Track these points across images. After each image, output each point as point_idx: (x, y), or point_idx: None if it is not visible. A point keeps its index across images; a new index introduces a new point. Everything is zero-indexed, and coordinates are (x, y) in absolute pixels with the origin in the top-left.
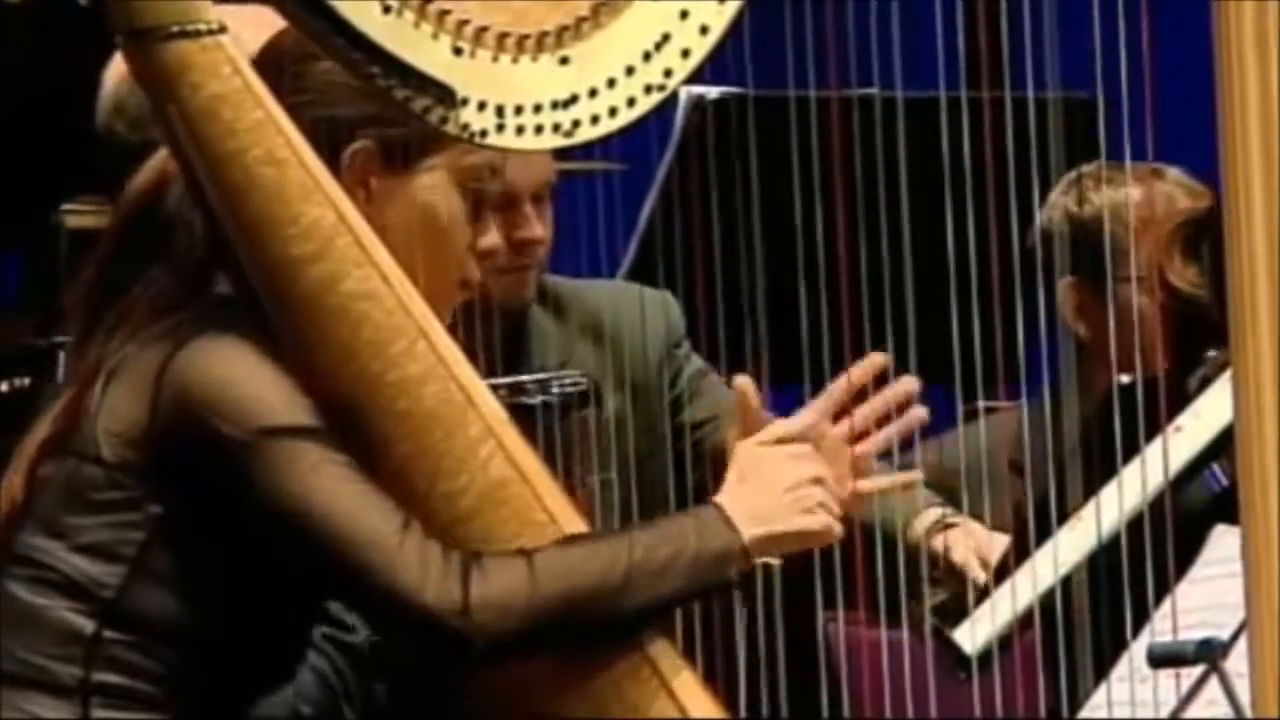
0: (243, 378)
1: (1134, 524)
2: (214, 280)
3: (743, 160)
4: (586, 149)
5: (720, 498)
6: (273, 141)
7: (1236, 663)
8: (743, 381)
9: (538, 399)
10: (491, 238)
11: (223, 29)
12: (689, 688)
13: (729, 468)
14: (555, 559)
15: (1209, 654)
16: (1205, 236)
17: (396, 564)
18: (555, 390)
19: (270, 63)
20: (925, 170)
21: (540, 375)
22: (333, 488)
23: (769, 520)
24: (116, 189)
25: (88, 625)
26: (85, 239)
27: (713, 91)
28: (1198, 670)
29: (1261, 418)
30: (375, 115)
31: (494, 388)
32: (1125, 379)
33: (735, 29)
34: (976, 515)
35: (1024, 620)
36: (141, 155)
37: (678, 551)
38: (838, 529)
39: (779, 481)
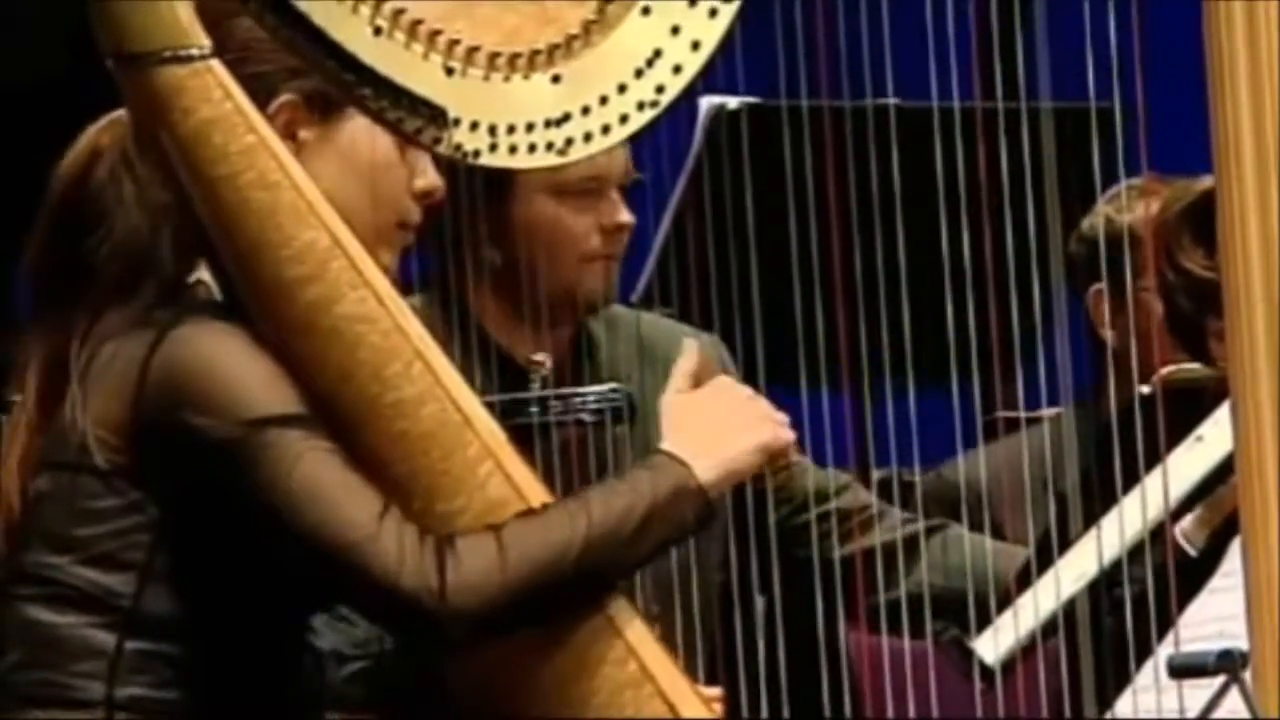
0: (222, 370)
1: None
2: (183, 268)
3: (762, 170)
4: None
5: (664, 445)
6: (265, 165)
7: None
8: (689, 343)
9: (574, 416)
10: (583, 224)
11: (214, 53)
12: (679, 688)
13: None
14: (522, 530)
15: (1229, 664)
16: (1211, 217)
17: (373, 553)
18: (594, 404)
19: None
20: (940, 180)
21: (576, 390)
22: (314, 475)
23: (716, 448)
24: None
25: (109, 639)
26: None
27: (732, 102)
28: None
29: (1260, 430)
30: (297, 68)
31: (526, 402)
32: (1145, 389)
33: (728, 43)
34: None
35: (1038, 633)
36: None
37: (634, 500)
38: (786, 434)
39: (714, 412)
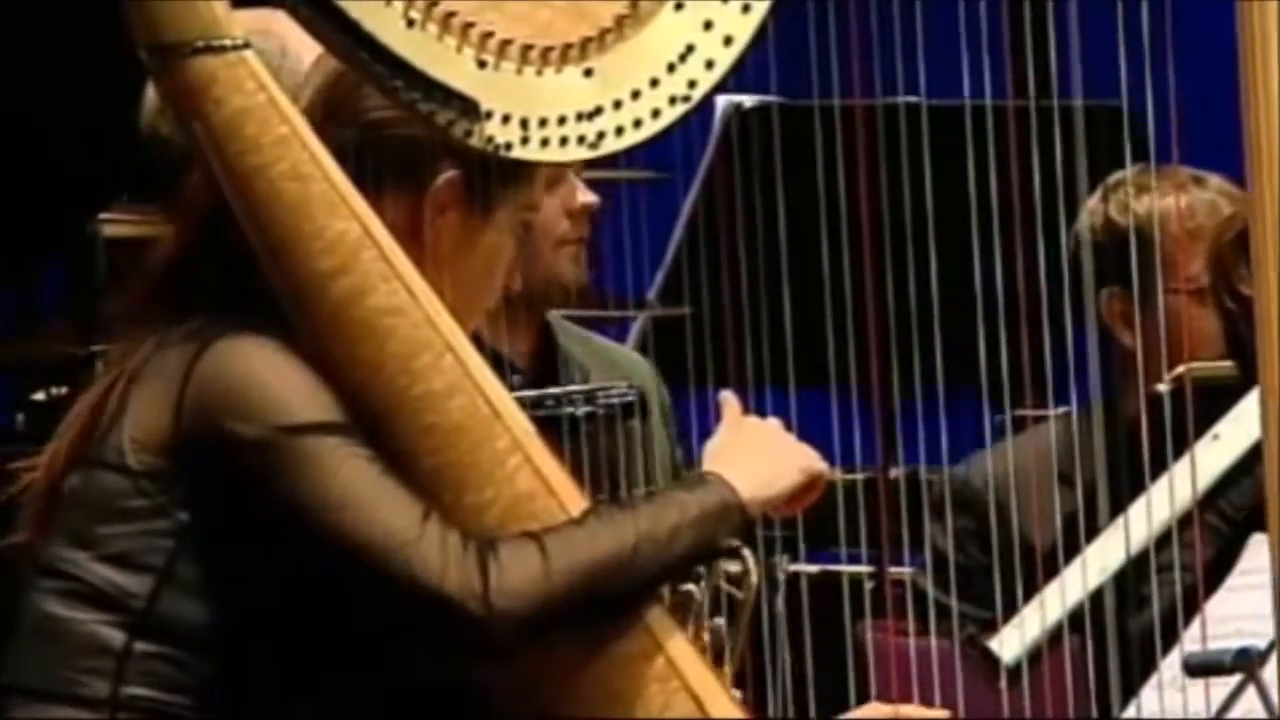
0: (263, 376)
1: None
2: (247, 279)
3: (778, 168)
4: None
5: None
6: (297, 156)
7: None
8: (725, 395)
9: (584, 410)
10: (550, 210)
11: (247, 44)
12: (707, 683)
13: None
14: (566, 540)
15: (1246, 663)
16: None
17: (416, 559)
18: (604, 400)
19: (342, 93)
20: (958, 179)
21: (588, 386)
22: (354, 482)
23: (757, 469)
24: (159, 191)
25: (117, 637)
26: (124, 247)
27: (748, 100)
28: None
29: None
30: (447, 139)
31: (540, 400)
32: (1163, 387)
33: (760, 39)
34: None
35: (1057, 630)
36: (185, 157)
37: (681, 515)
38: (820, 462)
39: (751, 442)
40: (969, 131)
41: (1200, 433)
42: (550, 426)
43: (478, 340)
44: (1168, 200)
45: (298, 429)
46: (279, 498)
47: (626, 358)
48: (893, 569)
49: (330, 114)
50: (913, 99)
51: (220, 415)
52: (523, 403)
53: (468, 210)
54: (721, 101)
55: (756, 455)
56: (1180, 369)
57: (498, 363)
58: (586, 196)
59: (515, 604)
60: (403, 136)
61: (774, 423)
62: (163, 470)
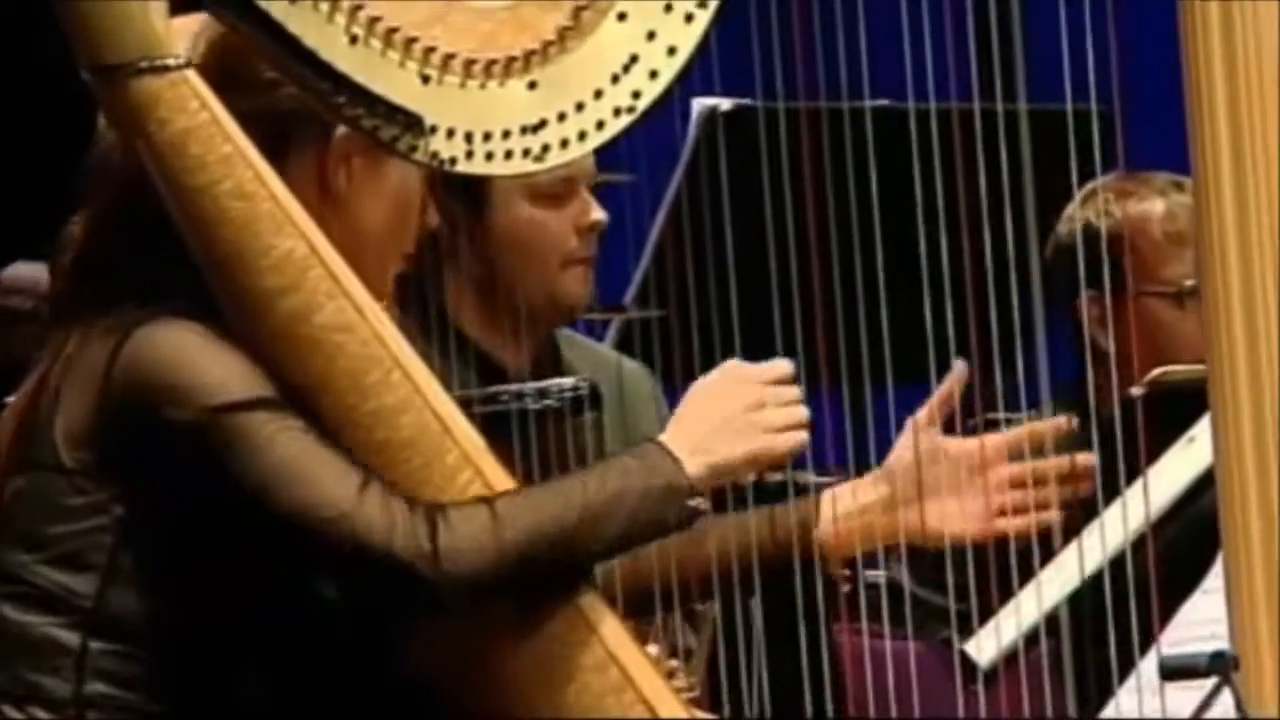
0: (188, 359)
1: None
2: (167, 271)
3: (754, 171)
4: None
5: (662, 436)
6: (242, 175)
7: None
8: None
9: (541, 404)
10: (560, 226)
11: (190, 63)
12: (660, 692)
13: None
14: (515, 504)
15: (1221, 666)
16: None
17: (360, 524)
18: (558, 394)
19: (231, 59)
20: (931, 181)
21: (541, 383)
22: (291, 455)
23: (710, 449)
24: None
25: (72, 639)
26: None
27: (725, 103)
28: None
29: (1239, 428)
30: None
31: (495, 396)
32: (1137, 391)
33: (704, 48)
34: None
35: (1032, 634)
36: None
37: (625, 488)
38: (781, 447)
39: (715, 412)
40: (933, 134)
41: (1171, 436)
42: (504, 422)
43: (463, 343)
44: (1147, 205)
45: (228, 408)
46: (219, 478)
47: (630, 370)
48: (868, 572)
49: (225, 84)
50: (885, 102)
51: (149, 404)
52: (475, 400)
53: (370, 154)
54: (697, 105)
55: (716, 430)
56: (1156, 372)
57: (499, 375)
58: (597, 214)
59: (465, 563)
60: (297, 95)
61: (745, 375)
62: (95, 465)
